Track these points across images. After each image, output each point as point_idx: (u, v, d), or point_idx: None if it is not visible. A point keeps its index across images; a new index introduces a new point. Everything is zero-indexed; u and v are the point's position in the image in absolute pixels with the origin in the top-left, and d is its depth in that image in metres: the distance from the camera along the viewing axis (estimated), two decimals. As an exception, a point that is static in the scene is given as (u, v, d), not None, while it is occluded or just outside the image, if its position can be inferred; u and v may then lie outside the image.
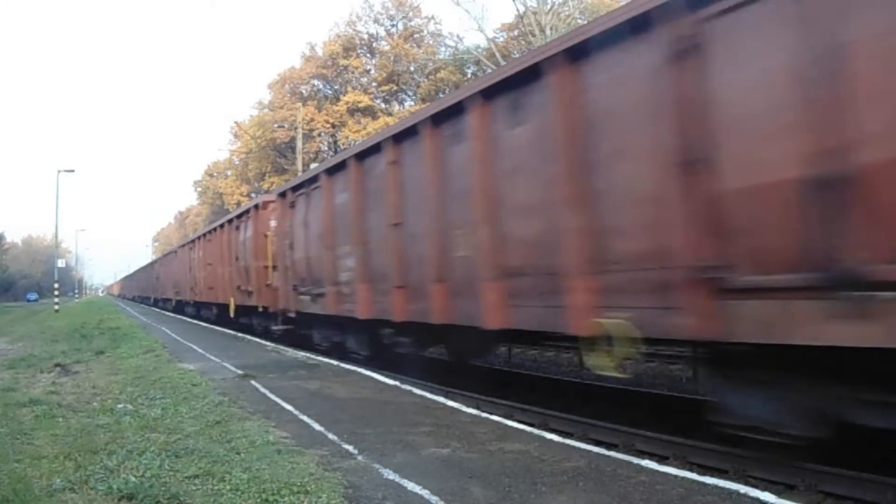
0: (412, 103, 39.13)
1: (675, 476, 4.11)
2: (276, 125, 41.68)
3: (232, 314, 17.26)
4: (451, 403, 6.70)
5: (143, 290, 50.54)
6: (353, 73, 41.07)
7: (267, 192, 29.96)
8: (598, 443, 5.40)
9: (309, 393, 7.55)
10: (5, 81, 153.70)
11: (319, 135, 40.01)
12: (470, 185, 6.54)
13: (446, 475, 4.23)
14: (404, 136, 7.97)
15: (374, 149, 8.78)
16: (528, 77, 5.80)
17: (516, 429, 5.56)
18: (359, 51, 41.53)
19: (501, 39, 34.87)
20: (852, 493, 4.14)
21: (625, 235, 4.90)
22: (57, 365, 9.94)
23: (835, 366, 3.85)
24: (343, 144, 37.31)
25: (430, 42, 40.65)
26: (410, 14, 39.94)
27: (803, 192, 3.72)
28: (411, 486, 4.01)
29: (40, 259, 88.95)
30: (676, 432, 5.44)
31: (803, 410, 4.04)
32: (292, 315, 12.29)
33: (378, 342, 9.41)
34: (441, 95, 36.53)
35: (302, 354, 11.40)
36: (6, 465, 4.42)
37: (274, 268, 13.63)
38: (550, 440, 5.13)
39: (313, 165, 24.20)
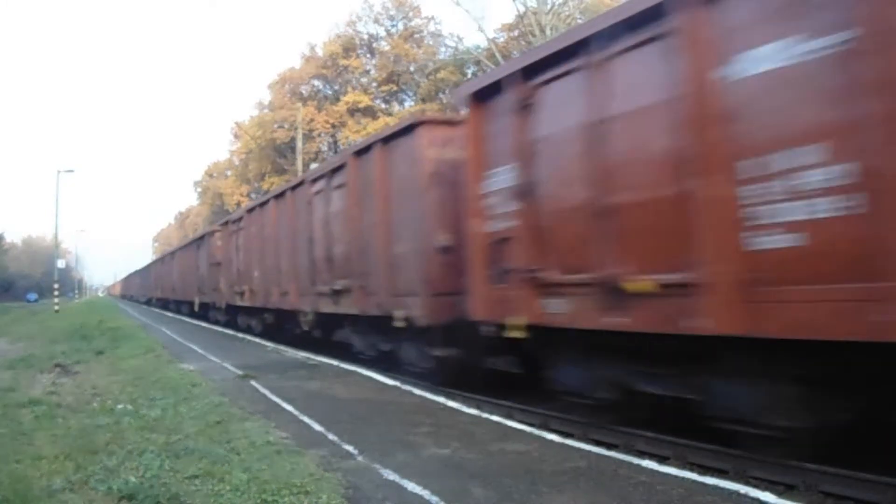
0: (412, 103, 39.12)
1: (676, 476, 4.11)
2: (276, 125, 41.66)
3: None
4: (451, 404, 6.70)
5: (171, 289, 31.75)
6: (353, 73, 41.05)
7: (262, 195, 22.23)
8: (598, 443, 5.39)
9: (309, 393, 7.55)
10: (5, 81, 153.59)
11: (319, 135, 40.00)
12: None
13: (446, 475, 4.23)
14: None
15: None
16: None
17: (516, 429, 5.56)
18: (359, 51, 41.50)
19: (502, 40, 34.83)
20: (852, 493, 4.13)
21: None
22: (57, 365, 9.93)
23: None
24: (343, 145, 37.32)
25: (431, 42, 40.62)
26: (410, 14, 39.95)
27: None
28: (411, 486, 4.01)
29: (40, 259, 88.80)
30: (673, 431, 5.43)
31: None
32: None
33: None
34: (441, 96, 36.60)
35: (302, 355, 11.39)
36: (6, 465, 4.42)
37: None
38: (551, 440, 5.13)
39: (313, 165, 23.88)
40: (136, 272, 61.00)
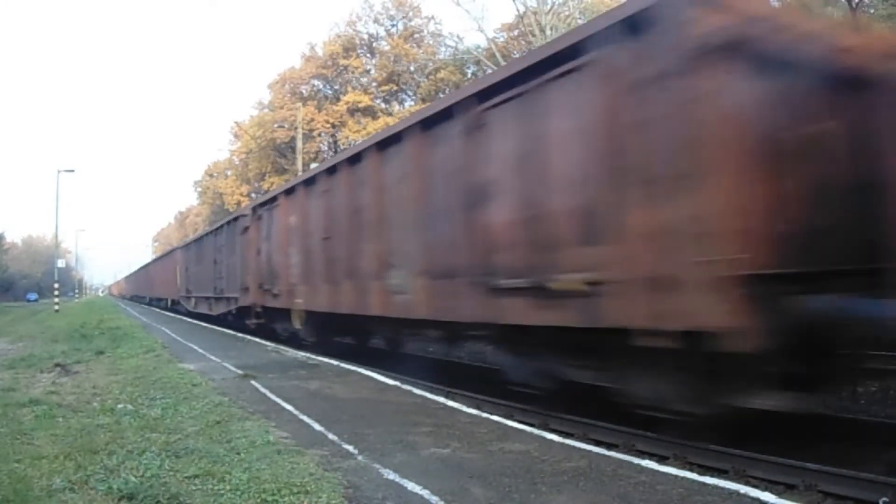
0: (412, 103, 39.10)
1: (676, 476, 4.11)
2: (276, 125, 41.63)
3: None
4: (451, 403, 6.71)
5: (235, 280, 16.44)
6: (353, 73, 41.02)
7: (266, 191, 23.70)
8: (598, 443, 5.40)
9: (309, 393, 7.56)
10: (6, 81, 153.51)
11: (319, 135, 39.98)
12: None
13: (446, 475, 4.23)
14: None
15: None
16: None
17: (517, 429, 5.56)
18: (359, 51, 41.48)
19: (501, 39, 34.82)
20: (852, 493, 4.14)
21: None
22: (57, 365, 9.93)
23: None
24: (343, 144, 37.30)
25: (430, 42, 40.59)
26: (410, 14, 39.91)
27: None
28: (411, 486, 4.01)
29: (40, 259, 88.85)
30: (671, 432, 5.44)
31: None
32: None
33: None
34: (441, 95, 36.60)
35: (302, 354, 11.40)
36: (6, 465, 4.42)
37: None
38: (551, 440, 5.14)
39: (313, 165, 23.83)
40: (166, 254, 38.44)
